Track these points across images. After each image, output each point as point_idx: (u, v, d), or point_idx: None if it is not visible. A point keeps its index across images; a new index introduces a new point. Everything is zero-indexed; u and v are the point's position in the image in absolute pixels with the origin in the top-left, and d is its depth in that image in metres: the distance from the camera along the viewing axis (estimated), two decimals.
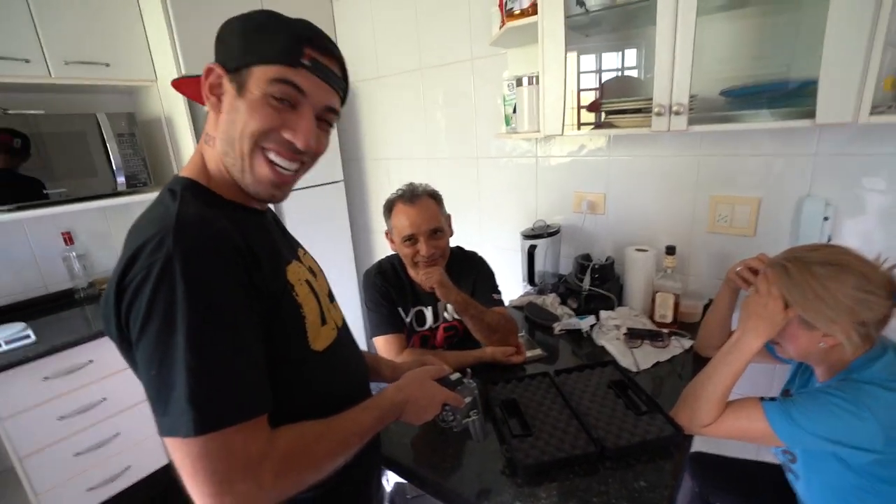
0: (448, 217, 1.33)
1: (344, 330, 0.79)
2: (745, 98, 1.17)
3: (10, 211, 1.59)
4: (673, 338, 1.31)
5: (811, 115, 0.98)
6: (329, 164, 2.32)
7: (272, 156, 0.61)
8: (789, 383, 1.07)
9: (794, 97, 1.08)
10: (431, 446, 0.98)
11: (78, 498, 1.65)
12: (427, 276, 1.18)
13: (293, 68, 0.58)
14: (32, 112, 1.62)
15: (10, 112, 1.60)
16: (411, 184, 1.30)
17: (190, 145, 1.89)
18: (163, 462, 1.85)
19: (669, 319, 1.39)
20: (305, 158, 0.64)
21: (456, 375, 0.83)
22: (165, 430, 0.49)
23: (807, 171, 1.26)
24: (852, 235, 1.24)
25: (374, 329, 1.29)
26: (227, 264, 0.53)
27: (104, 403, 1.66)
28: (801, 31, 1.03)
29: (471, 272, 1.39)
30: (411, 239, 1.24)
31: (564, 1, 1.21)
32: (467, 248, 1.47)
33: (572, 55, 1.48)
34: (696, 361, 1.22)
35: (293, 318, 0.63)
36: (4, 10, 1.51)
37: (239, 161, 0.61)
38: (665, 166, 1.49)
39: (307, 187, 2.19)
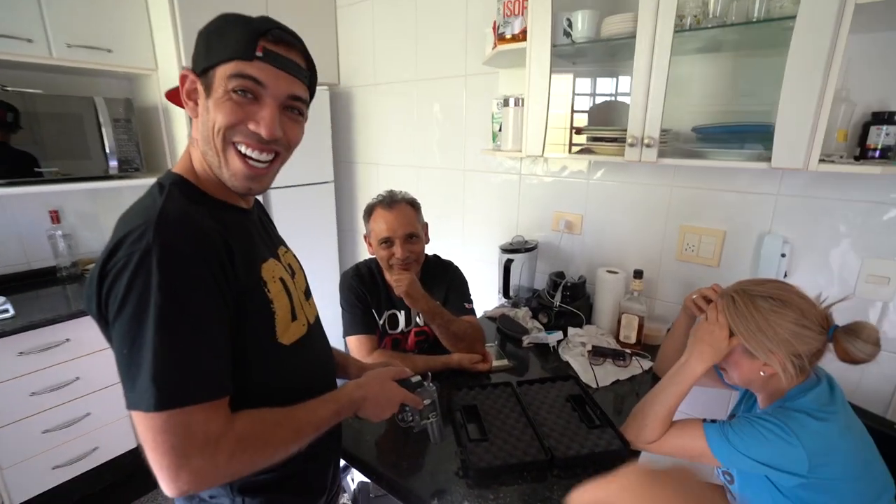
0: (425, 225, 1.38)
1: (315, 326, 0.83)
2: (715, 135, 1.24)
3: (1, 186, 1.61)
4: (635, 358, 1.37)
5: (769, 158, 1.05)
6: (320, 165, 2.37)
7: (242, 148, 0.65)
8: (736, 408, 1.13)
9: (759, 139, 1.15)
10: (393, 446, 1.02)
11: (43, 475, 1.65)
12: (397, 284, 1.22)
13: (248, 61, 0.62)
14: (30, 91, 1.65)
15: (8, 89, 1.62)
16: (391, 190, 1.35)
17: (184, 135, 1.92)
18: (131, 446, 1.86)
19: (633, 340, 1.45)
20: (278, 148, 0.68)
21: (416, 378, 0.88)
22: (131, 404, 0.54)
23: (768, 209, 1.33)
24: (805, 272, 1.31)
25: (347, 328, 1.33)
26: (201, 259, 0.58)
27: (77, 383, 1.68)
28: (768, 77, 1.10)
29: (444, 280, 1.44)
30: (387, 242, 1.29)
31: (552, 30, 1.27)
32: (447, 257, 1.52)
33: (567, 78, 1.55)
34: (653, 381, 1.27)
35: (263, 312, 0.67)
36: None
37: (216, 158, 0.65)
38: (640, 194, 1.56)
39: (297, 185, 2.24)
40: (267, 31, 0.63)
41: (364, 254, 2.64)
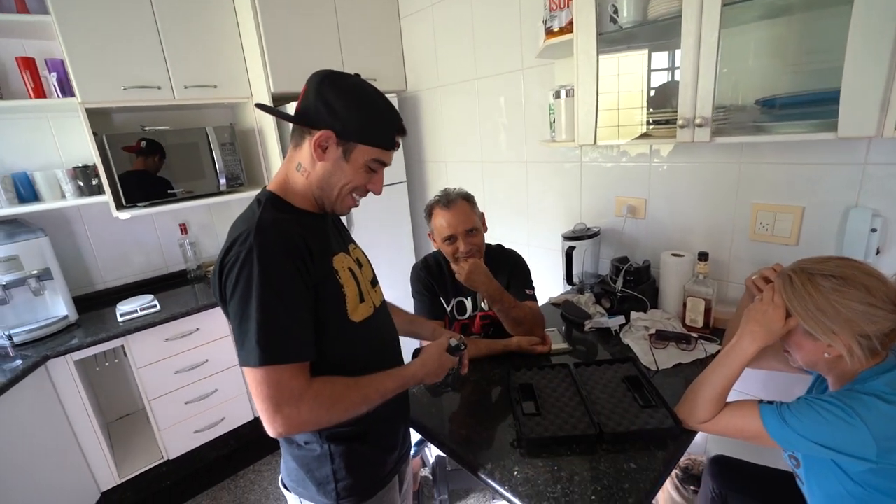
0: (482, 215, 1.47)
1: (381, 309, 1.00)
2: (781, 108, 1.17)
3: (145, 206, 2.01)
4: (700, 342, 1.34)
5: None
6: (394, 166, 2.55)
7: (356, 195, 0.90)
8: (807, 393, 1.08)
9: (830, 107, 1.07)
10: (460, 419, 1.15)
11: (187, 437, 2.06)
12: (458, 272, 1.34)
13: (388, 151, 0.87)
14: (161, 128, 2.03)
15: (147, 128, 2.02)
16: (446, 189, 1.46)
17: (276, 152, 2.22)
18: (249, 418, 2.22)
19: (700, 324, 1.41)
20: None
21: (455, 341, 1.02)
22: (242, 361, 0.74)
23: (854, 180, 1.22)
24: None
25: (417, 315, 1.48)
26: (287, 255, 0.76)
27: (207, 364, 2.05)
28: (839, 37, 1.01)
29: (506, 268, 1.53)
30: (451, 238, 1.41)
31: (597, 20, 1.29)
32: (513, 246, 1.60)
33: (642, 54, 1.51)
34: None
35: (335, 294, 0.85)
36: (144, 46, 1.91)
37: (332, 198, 0.87)
38: (706, 173, 1.50)
39: None
40: (401, 128, 0.88)
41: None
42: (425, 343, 1.08)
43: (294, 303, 0.76)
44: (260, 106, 0.93)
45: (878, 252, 1.21)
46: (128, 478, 1.92)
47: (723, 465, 1.30)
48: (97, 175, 1.92)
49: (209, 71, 2.09)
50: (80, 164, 1.96)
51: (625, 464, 0.94)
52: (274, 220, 0.79)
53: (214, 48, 2.10)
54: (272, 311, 0.73)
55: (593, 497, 0.86)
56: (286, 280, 0.75)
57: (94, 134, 1.86)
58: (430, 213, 1.45)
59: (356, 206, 0.93)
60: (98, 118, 2.00)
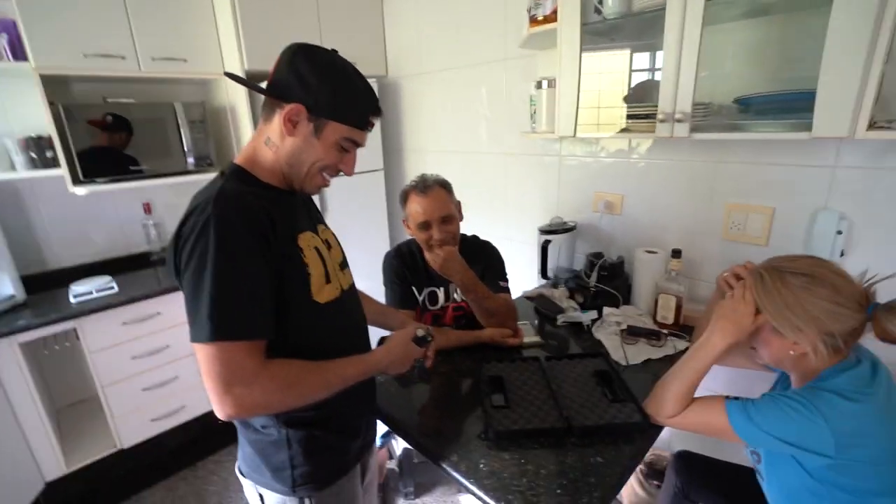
0: (458, 203, 1.44)
1: (349, 292, 0.96)
2: (757, 106, 1.18)
3: (105, 182, 1.90)
4: (670, 338, 1.35)
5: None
6: (371, 154, 2.50)
7: (326, 175, 0.87)
8: (772, 390, 1.09)
9: (807, 108, 1.08)
10: (426, 411, 1.12)
11: (144, 426, 1.96)
12: (433, 259, 1.31)
13: (362, 131, 0.85)
14: (125, 101, 1.92)
15: (109, 100, 1.91)
16: (423, 175, 1.42)
17: (249, 132, 2.13)
18: (210, 407, 2.13)
19: (670, 321, 1.42)
20: None
21: (422, 332, 0.99)
22: (192, 336, 0.69)
23: (823, 183, 1.24)
24: (866, 250, 1.21)
25: (388, 304, 1.44)
26: (246, 227, 0.72)
27: (167, 350, 1.96)
28: (820, 39, 1.02)
29: (481, 259, 1.50)
30: (425, 225, 1.37)
31: (581, 9, 1.27)
32: (490, 238, 1.58)
33: (624, 54, 1.52)
34: None
35: (299, 273, 0.81)
36: (107, 12, 1.79)
37: (301, 176, 0.84)
38: (683, 171, 1.51)
39: None
40: (377, 108, 0.86)
41: None
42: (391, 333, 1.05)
43: (252, 277, 0.71)
44: (230, 75, 0.89)
45: (842, 254, 1.24)
46: (76, 467, 1.82)
47: (686, 461, 1.32)
48: (52, 147, 1.80)
49: (179, 43, 1.99)
50: (34, 135, 1.83)
51: (592, 458, 0.93)
52: (236, 191, 0.75)
53: (185, 20, 1.99)
54: (227, 285, 0.69)
55: (559, 490, 0.85)
56: (245, 253, 0.71)
57: (51, 103, 1.74)
58: (405, 198, 1.41)
59: (326, 185, 0.89)
60: (55, 86, 1.87)
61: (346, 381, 0.82)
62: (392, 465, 1.95)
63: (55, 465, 1.77)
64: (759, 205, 1.36)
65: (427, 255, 1.39)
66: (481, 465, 0.92)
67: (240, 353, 0.69)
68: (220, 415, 0.71)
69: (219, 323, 0.67)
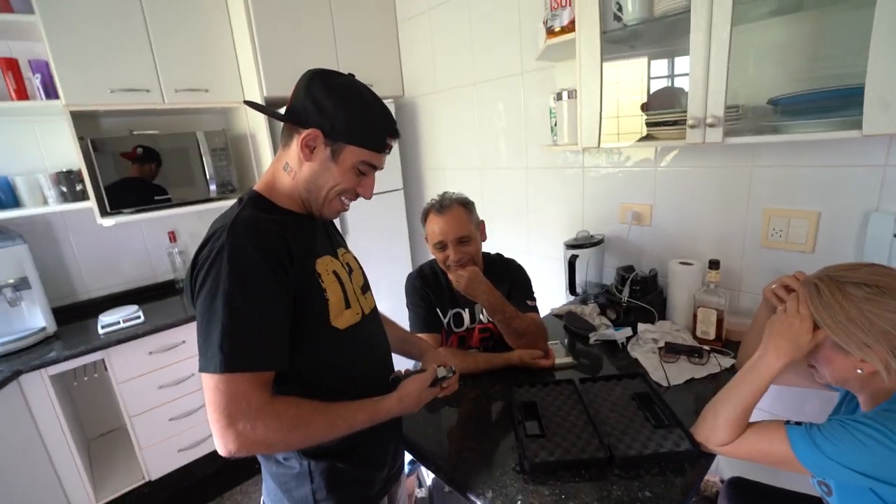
0: (480, 223, 1.40)
1: (370, 317, 0.93)
2: (795, 106, 1.11)
3: (131, 213, 1.94)
4: (713, 355, 1.26)
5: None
6: (390, 173, 2.49)
7: (344, 199, 0.86)
8: (835, 412, 1.00)
9: (851, 105, 1.01)
10: (456, 440, 1.05)
11: (171, 456, 1.95)
12: (457, 281, 1.27)
13: (379, 154, 0.83)
14: (150, 132, 1.97)
15: (135, 133, 1.96)
16: (444, 193, 1.39)
17: (269, 158, 2.15)
18: None
19: (712, 336, 1.33)
20: None
21: (443, 371, 0.93)
22: (201, 366, 0.68)
23: (874, 183, 1.15)
24: None
25: (412, 327, 1.39)
26: (263, 255, 0.70)
27: (192, 378, 1.96)
28: (857, 34, 0.96)
29: (506, 278, 1.45)
30: (441, 245, 1.34)
31: (600, 17, 1.23)
32: (513, 255, 1.53)
33: (641, 62, 1.49)
34: None
35: (317, 299, 0.79)
36: (133, 48, 1.85)
37: (319, 201, 0.83)
38: (715, 178, 1.44)
39: None
40: (394, 131, 0.84)
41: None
42: (409, 369, 0.99)
43: (264, 306, 0.70)
44: (249, 103, 0.90)
45: None
46: (105, 501, 1.81)
47: (740, 488, 1.21)
48: (81, 180, 1.85)
49: (200, 74, 2.04)
50: (64, 170, 1.89)
51: (639, 492, 0.85)
52: (252, 218, 0.75)
53: (206, 51, 2.05)
54: (239, 314, 0.67)
55: None
56: (259, 281, 0.70)
57: (80, 138, 1.79)
58: (424, 217, 1.39)
59: (345, 210, 0.88)
60: (84, 122, 1.93)
61: (352, 427, 0.77)
62: (422, 493, 1.88)
63: (85, 497, 1.76)
64: (802, 209, 1.27)
65: (450, 276, 1.35)
66: (519, 502, 0.86)
67: (246, 386, 0.67)
68: (222, 450, 0.68)
69: (229, 353, 0.66)
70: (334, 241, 0.95)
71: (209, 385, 0.67)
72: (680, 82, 1.44)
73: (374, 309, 0.98)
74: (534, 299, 1.45)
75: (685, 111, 1.14)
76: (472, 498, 0.89)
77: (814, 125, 1.04)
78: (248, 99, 2.13)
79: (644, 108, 1.45)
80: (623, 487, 0.87)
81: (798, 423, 0.83)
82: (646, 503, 0.83)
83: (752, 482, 1.22)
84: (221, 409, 0.66)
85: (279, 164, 0.84)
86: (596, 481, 0.89)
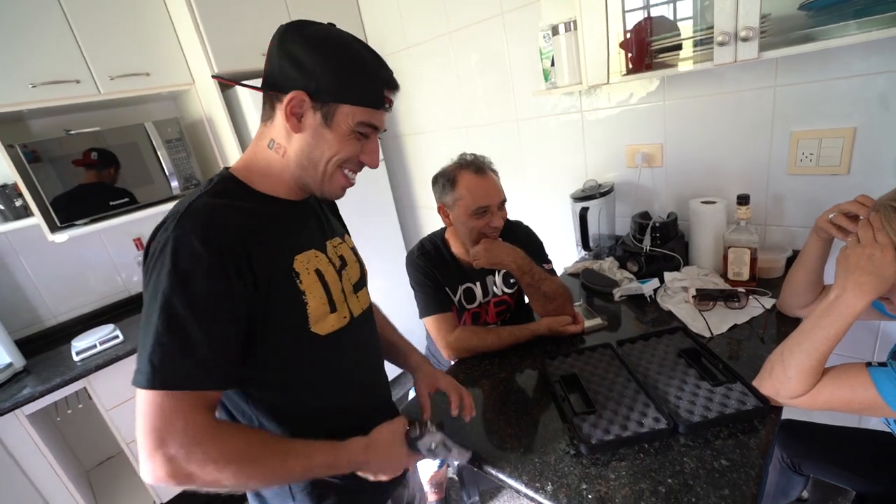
0: None
1: (360, 319, 0.82)
2: (832, 9, 0.97)
3: (86, 224, 1.72)
4: (751, 297, 1.17)
5: None
6: None
7: (347, 171, 0.73)
8: None
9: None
10: (500, 431, 0.94)
11: None
12: (474, 256, 1.15)
13: (377, 110, 0.69)
14: (89, 130, 1.72)
15: (72, 132, 1.71)
16: (472, 155, 1.25)
17: (231, 141, 1.93)
18: None
19: (745, 277, 1.25)
20: None
21: (416, 433, 0.76)
22: (133, 378, 0.57)
23: None
24: None
25: (421, 310, 1.27)
26: (211, 253, 0.58)
27: None
28: None
29: (517, 243, 1.32)
30: (483, 210, 1.19)
31: None
32: (514, 216, 1.40)
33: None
34: (780, 322, 1.09)
35: (293, 302, 0.68)
36: (51, 35, 1.58)
37: (318, 177, 0.70)
38: (732, 104, 1.31)
39: None
40: (390, 81, 0.70)
41: (427, 227, 2.58)
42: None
43: (209, 316, 0.58)
44: (218, 77, 0.80)
45: None
46: None
47: (792, 431, 1.16)
48: (20, 194, 1.61)
49: (137, 57, 1.78)
50: None
51: (714, 461, 0.77)
52: (209, 206, 0.63)
53: (140, 31, 1.78)
54: (176, 323, 0.56)
55: None
56: (204, 285, 0.58)
57: (9, 146, 1.55)
58: (452, 180, 1.21)
59: (351, 184, 0.75)
60: (8, 126, 1.68)
61: (307, 470, 0.65)
62: (452, 474, 1.82)
63: None
64: (834, 128, 1.16)
65: (472, 251, 1.21)
66: (585, 492, 0.76)
67: (182, 406, 0.56)
68: (147, 476, 0.56)
69: (159, 368, 0.55)
70: (329, 230, 0.82)
71: (140, 400, 0.56)
72: (656, 11, 1.28)
73: (368, 309, 0.86)
74: (549, 262, 1.33)
75: (708, 28, 1.00)
76: (531, 494, 0.79)
77: (853, 26, 0.91)
78: (199, 85, 1.89)
79: (624, 45, 1.28)
80: (695, 458, 0.78)
81: (881, 364, 0.74)
82: (725, 473, 0.74)
83: (805, 423, 1.17)
84: (151, 427, 0.55)
85: (261, 141, 0.71)
86: (664, 455, 0.80)
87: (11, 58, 1.52)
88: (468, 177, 1.19)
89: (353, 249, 0.87)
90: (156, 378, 0.55)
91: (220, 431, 0.58)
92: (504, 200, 1.23)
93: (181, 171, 1.90)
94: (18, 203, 1.64)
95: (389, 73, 0.71)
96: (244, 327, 0.62)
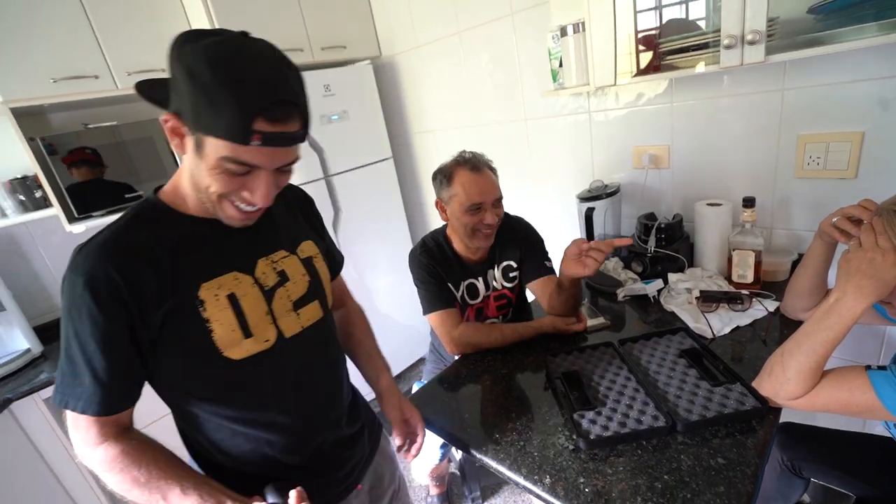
0: None
1: (296, 339, 0.77)
2: (842, 12, 0.97)
3: (102, 216, 1.76)
4: (755, 299, 1.18)
5: None
6: (377, 143, 2.32)
7: (238, 203, 0.66)
8: None
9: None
10: (501, 425, 0.96)
11: None
12: (584, 268, 1.08)
13: (244, 146, 0.59)
14: (107, 124, 1.77)
15: (90, 126, 1.75)
16: (470, 152, 1.27)
17: None
18: None
19: (749, 279, 1.25)
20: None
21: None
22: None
23: None
24: None
25: (425, 307, 1.29)
26: (92, 294, 0.61)
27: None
28: None
29: (516, 240, 1.35)
30: (478, 207, 1.21)
31: None
32: (518, 214, 1.42)
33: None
34: (783, 325, 1.10)
35: (195, 330, 0.67)
36: (72, 32, 1.63)
37: (209, 204, 0.67)
38: (740, 107, 1.31)
39: (356, 168, 2.22)
40: (263, 107, 0.57)
41: (434, 225, 2.59)
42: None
43: (89, 349, 0.62)
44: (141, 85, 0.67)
45: None
46: None
47: (792, 433, 1.16)
48: (40, 186, 1.66)
49: (152, 53, 1.81)
50: (19, 176, 1.70)
51: (711, 459, 0.78)
52: (102, 243, 0.64)
53: (156, 26, 1.81)
54: (70, 352, 0.64)
55: None
56: (87, 316, 0.61)
57: (30, 139, 1.60)
58: (449, 176, 1.23)
59: (249, 218, 0.69)
60: (30, 120, 1.72)
61: (164, 498, 0.65)
62: (454, 469, 1.84)
63: None
64: (842, 131, 1.16)
65: (464, 243, 1.22)
66: (582, 486, 0.78)
67: (84, 424, 0.65)
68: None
69: (60, 389, 0.65)
70: (271, 243, 0.77)
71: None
72: (669, 13, 1.29)
73: (316, 324, 0.80)
74: (549, 259, 1.35)
75: (715, 31, 1.00)
76: (529, 486, 0.81)
77: (875, 28, 0.91)
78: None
79: (634, 46, 1.28)
80: (692, 456, 0.79)
81: (880, 368, 0.75)
82: (721, 471, 0.76)
83: (805, 426, 1.17)
84: (76, 440, 0.67)
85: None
86: (661, 452, 0.81)
87: (34, 53, 1.56)
88: (464, 174, 1.21)
89: (308, 260, 0.81)
90: (57, 397, 0.65)
91: (118, 444, 0.65)
92: (500, 198, 1.24)
93: None
94: (38, 194, 1.69)
95: (263, 89, 0.58)
96: (137, 355, 0.65)
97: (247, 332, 0.70)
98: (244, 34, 0.61)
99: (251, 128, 0.57)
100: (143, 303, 0.63)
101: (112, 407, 0.65)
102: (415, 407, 0.99)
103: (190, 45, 0.58)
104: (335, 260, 0.96)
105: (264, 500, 0.67)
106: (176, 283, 0.66)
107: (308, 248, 0.83)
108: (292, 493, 0.65)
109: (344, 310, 1.04)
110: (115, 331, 0.62)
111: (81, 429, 0.65)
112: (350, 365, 0.97)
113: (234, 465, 0.75)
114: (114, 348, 0.63)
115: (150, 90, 0.64)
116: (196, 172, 0.64)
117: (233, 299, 0.69)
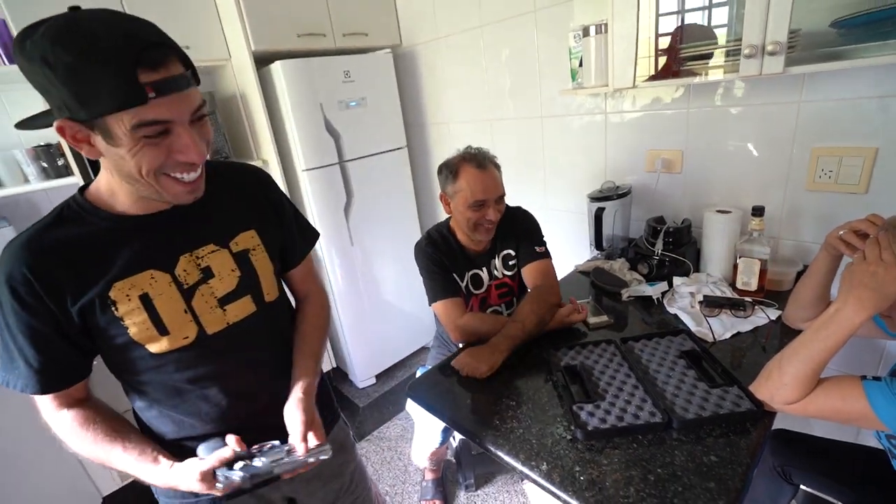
0: None
1: (220, 335, 0.77)
2: (865, 27, 0.98)
3: None
4: (757, 307, 1.20)
5: None
6: (392, 131, 2.34)
7: (176, 175, 0.65)
8: None
9: None
10: (502, 413, 0.98)
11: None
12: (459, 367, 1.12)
13: (143, 106, 0.56)
14: None
15: None
16: (477, 148, 1.29)
17: (263, 120, 1.99)
18: None
19: (753, 287, 1.27)
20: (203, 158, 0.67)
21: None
22: None
23: None
24: None
25: (430, 297, 1.32)
26: (11, 291, 0.65)
27: None
28: None
29: (513, 228, 1.39)
30: (481, 204, 1.24)
31: None
32: (532, 210, 1.45)
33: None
34: (784, 333, 1.12)
35: (112, 326, 0.70)
36: (99, 2, 1.65)
37: (150, 189, 0.64)
38: (755, 117, 1.32)
39: (371, 155, 2.24)
40: (137, 58, 0.54)
41: (443, 216, 2.61)
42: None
43: (17, 340, 0.68)
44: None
45: None
46: (130, 479, 1.79)
47: (785, 440, 1.19)
48: (62, 154, 1.70)
49: (178, 32, 1.73)
50: (42, 143, 1.73)
51: (703, 456, 0.81)
52: (22, 243, 0.66)
53: (182, 5, 1.83)
54: (3, 337, 0.69)
55: (675, 500, 0.73)
56: (10, 311, 0.67)
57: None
58: (455, 171, 1.27)
59: (191, 189, 0.67)
60: None
61: (116, 465, 0.74)
62: (448, 456, 1.88)
63: (109, 479, 1.74)
64: (856, 146, 1.17)
65: (465, 238, 1.25)
66: (577, 474, 0.81)
67: (41, 403, 0.73)
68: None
69: (3, 372, 0.70)
70: (195, 238, 0.75)
71: None
72: (691, 18, 1.31)
73: (245, 320, 0.79)
74: (542, 244, 1.37)
75: (736, 40, 1.02)
76: (527, 471, 0.84)
77: (884, 47, 0.92)
78: (236, 60, 1.93)
79: (654, 50, 1.30)
80: (686, 452, 0.82)
81: (876, 378, 0.77)
82: (713, 468, 0.78)
83: (798, 433, 1.19)
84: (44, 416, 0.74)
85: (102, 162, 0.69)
86: (656, 447, 0.84)
87: None
88: (469, 170, 1.24)
89: (242, 253, 0.79)
90: (1, 375, 0.70)
91: (69, 415, 0.72)
92: (502, 195, 1.28)
93: (213, 144, 1.97)
94: (60, 162, 1.73)
95: (137, 49, 0.54)
96: (68, 343, 0.70)
97: (163, 330, 0.72)
98: (75, 7, 0.57)
99: (138, 82, 0.54)
100: (60, 300, 0.67)
101: (51, 387, 0.71)
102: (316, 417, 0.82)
103: (29, 40, 0.54)
104: (297, 245, 0.92)
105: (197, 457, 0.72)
106: (89, 283, 0.67)
107: (245, 240, 0.80)
108: (229, 437, 0.71)
109: (304, 301, 0.97)
110: (39, 324, 0.67)
111: (38, 401, 0.73)
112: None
113: (166, 438, 0.81)
114: (41, 339, 0.68)
115: (32, 121, 0.68)
116: (121, 163, 0.61)
117: (145, 299, 0.70)
